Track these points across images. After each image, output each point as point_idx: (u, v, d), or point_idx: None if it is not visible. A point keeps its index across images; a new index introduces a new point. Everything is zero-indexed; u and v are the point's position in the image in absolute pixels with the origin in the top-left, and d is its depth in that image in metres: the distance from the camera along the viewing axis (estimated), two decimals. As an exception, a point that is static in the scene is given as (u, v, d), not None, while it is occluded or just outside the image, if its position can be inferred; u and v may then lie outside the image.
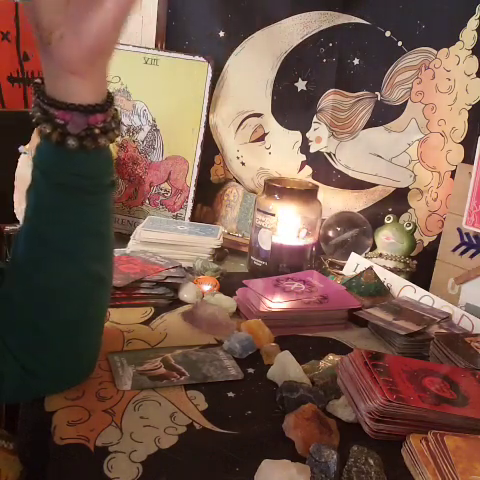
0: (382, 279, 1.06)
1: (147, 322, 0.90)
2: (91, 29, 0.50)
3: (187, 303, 0.97)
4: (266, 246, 1.13)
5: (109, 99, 0.56)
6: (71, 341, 0.62)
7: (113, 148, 1.34)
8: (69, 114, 0.53)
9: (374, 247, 1.20)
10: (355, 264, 1.13)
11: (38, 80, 0.55)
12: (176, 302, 0.98)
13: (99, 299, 0.64)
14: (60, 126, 0.53)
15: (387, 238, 1.16)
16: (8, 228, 1.20)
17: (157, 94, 1.30)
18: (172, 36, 1.34)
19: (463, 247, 1.03)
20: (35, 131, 0.65)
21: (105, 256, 0.64)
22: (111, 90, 0.58)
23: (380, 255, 1.16)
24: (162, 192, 1.33)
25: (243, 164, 1.39)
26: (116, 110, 0.58)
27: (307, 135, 1.31)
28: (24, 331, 0.60)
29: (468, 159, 1.07)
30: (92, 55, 0.52)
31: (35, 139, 1.16)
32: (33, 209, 0.59)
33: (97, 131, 0.55)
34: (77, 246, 0.59)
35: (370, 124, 1.23)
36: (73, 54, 0.51)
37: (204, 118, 1.29)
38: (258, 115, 1.35)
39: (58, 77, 0.53)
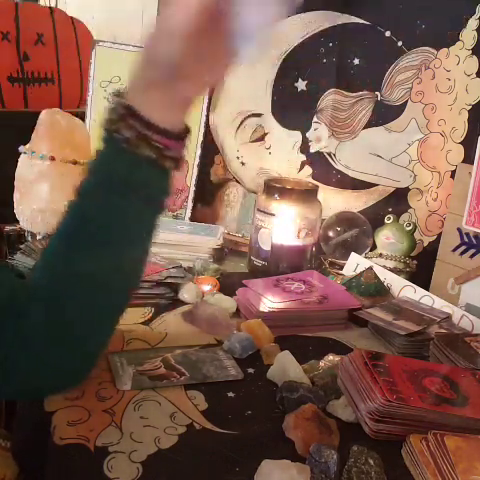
0: (382, 279, 1.06)
1: (147, 322, 0.90)
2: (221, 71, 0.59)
3: (187, 303, 0.97)
4: (266, 246, 1.13)
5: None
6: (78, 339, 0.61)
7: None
8: (172, 141, 0.57)
9: (374, 247, 1.20)
10: (355, 264, 1.13)
11: (122, 100, 0.57)
12: (176, 302, 0.98)
13: (116, 304, 0.62)
14: (158, 149, 0.57)
15: (387, 238, 1.16)
16: (8, 228, 1.20)
17: (157, 94, 1.30)
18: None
19: (463, 247, 1.03)
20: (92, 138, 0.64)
21: (141, 269, 0.64)
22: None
23: (380, 255, 1.16)
24: (162, 192, 1.33)
25: (243, 164, 1.39)
26: None
27: (307, 135, 1.31)
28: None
29: (468, 159, 1.07)
30: (205, 91, 0.61)
31: (35, 139, 1.16)
32: (90, 206, 0.58)
33: (183, 155, 0.61)
34: (123, 247, 0.59)
35: (370, 124, 1.23)
36: (199, 89, 0.60)
37: (204, 118, 1.29)
38: (258, 115, 1.35)
39: (170, 106, 0.57)
